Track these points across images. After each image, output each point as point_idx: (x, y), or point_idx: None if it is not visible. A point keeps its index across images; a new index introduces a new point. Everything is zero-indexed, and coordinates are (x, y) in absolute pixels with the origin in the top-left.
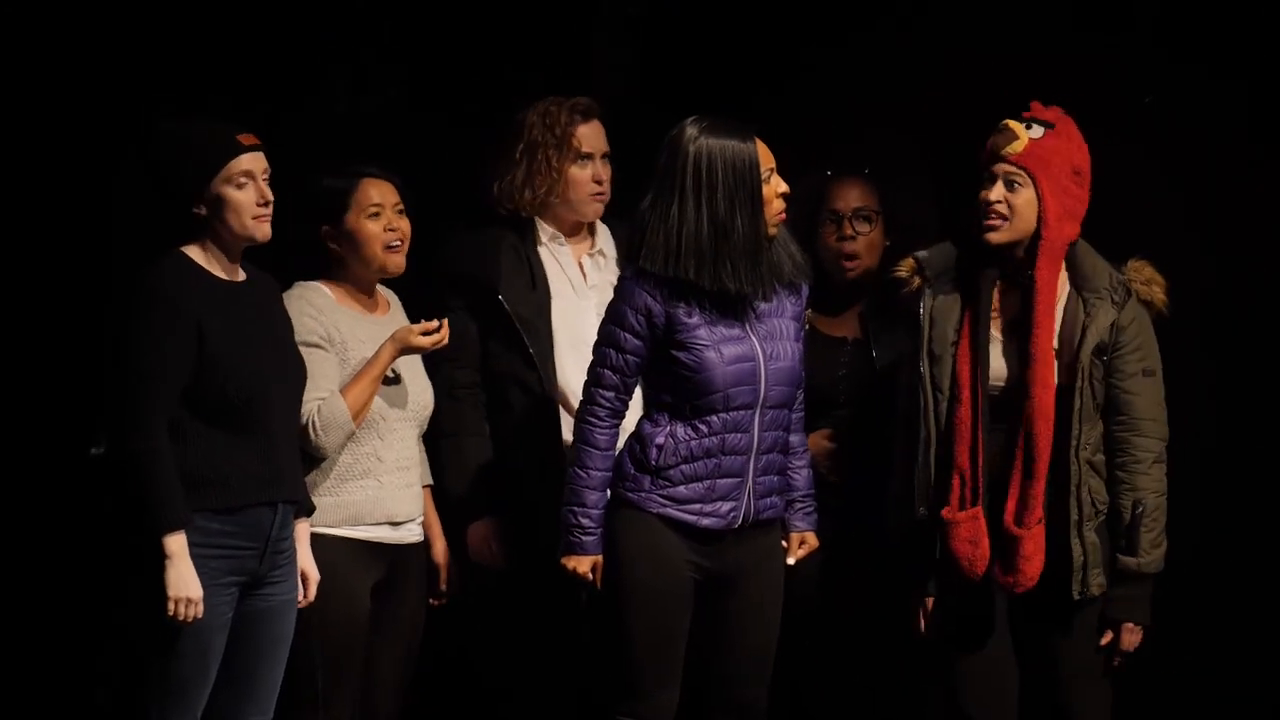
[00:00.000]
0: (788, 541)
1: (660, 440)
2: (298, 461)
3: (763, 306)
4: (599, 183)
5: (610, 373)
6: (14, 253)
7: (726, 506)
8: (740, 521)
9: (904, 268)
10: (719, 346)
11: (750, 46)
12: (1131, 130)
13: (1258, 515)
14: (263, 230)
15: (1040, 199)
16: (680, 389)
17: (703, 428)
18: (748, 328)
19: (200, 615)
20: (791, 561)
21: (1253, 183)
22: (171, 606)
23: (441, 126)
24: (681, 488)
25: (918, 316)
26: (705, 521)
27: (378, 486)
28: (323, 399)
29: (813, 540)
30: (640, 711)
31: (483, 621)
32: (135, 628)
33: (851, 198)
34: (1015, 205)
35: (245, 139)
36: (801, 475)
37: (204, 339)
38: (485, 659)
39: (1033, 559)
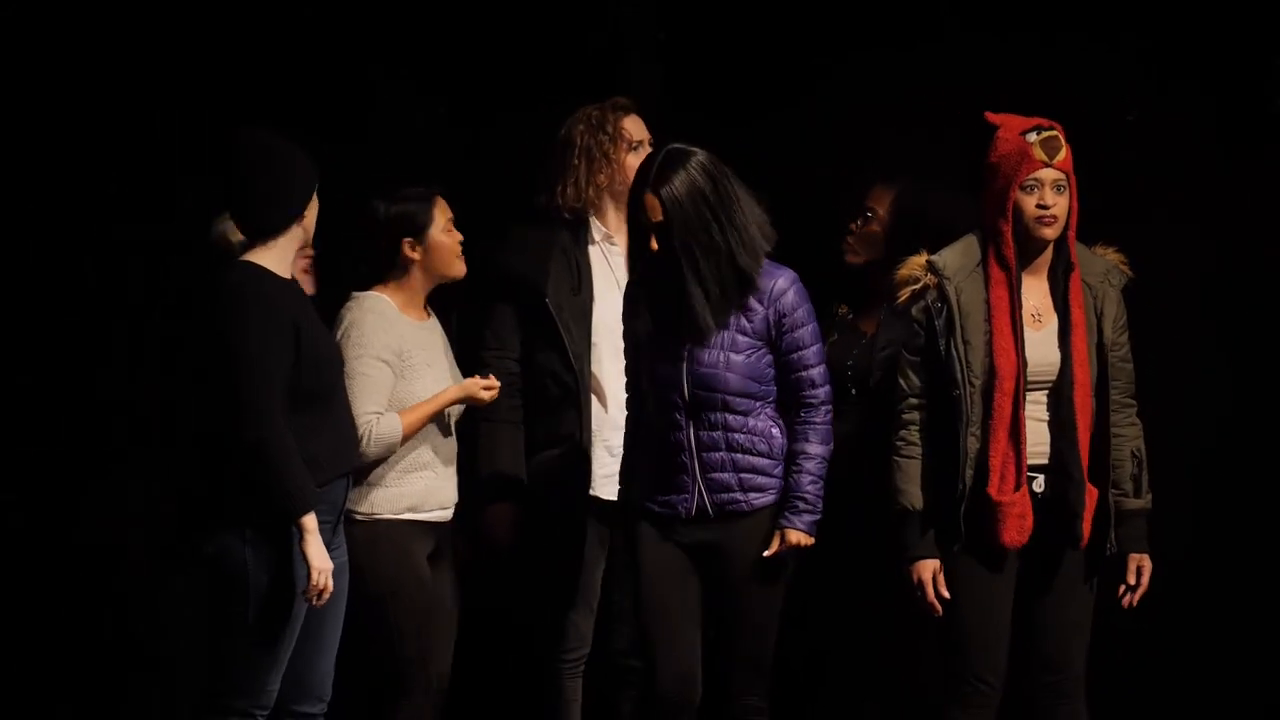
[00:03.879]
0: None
1: (631, 433)
2: (355, 429)
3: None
4: None
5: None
6: (15, 252)
7: (675, 499)
8: (694, 512)
9: (914, 267)
10: (651, 351)
11: (775, 62)
12: (1138, 130)
13: (1257, 510)
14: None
15: (1072, 200)
16: (637, 389)
17: (651, 425)
18: (684, 335)
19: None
20: (767, 554)
21: (1248, 177)
22: (316, 577)
23: (480, 143)
24: (646, 475)
25: (925, 310)
26: (657, 509)
27: (434, 478)
28: (379, 414)
29: (793, 538)
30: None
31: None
32: (237, 603)
33: (868, 197)
34: (1061, 207)
35: None
36: (796, 478)
37: (300, 334)
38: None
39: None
